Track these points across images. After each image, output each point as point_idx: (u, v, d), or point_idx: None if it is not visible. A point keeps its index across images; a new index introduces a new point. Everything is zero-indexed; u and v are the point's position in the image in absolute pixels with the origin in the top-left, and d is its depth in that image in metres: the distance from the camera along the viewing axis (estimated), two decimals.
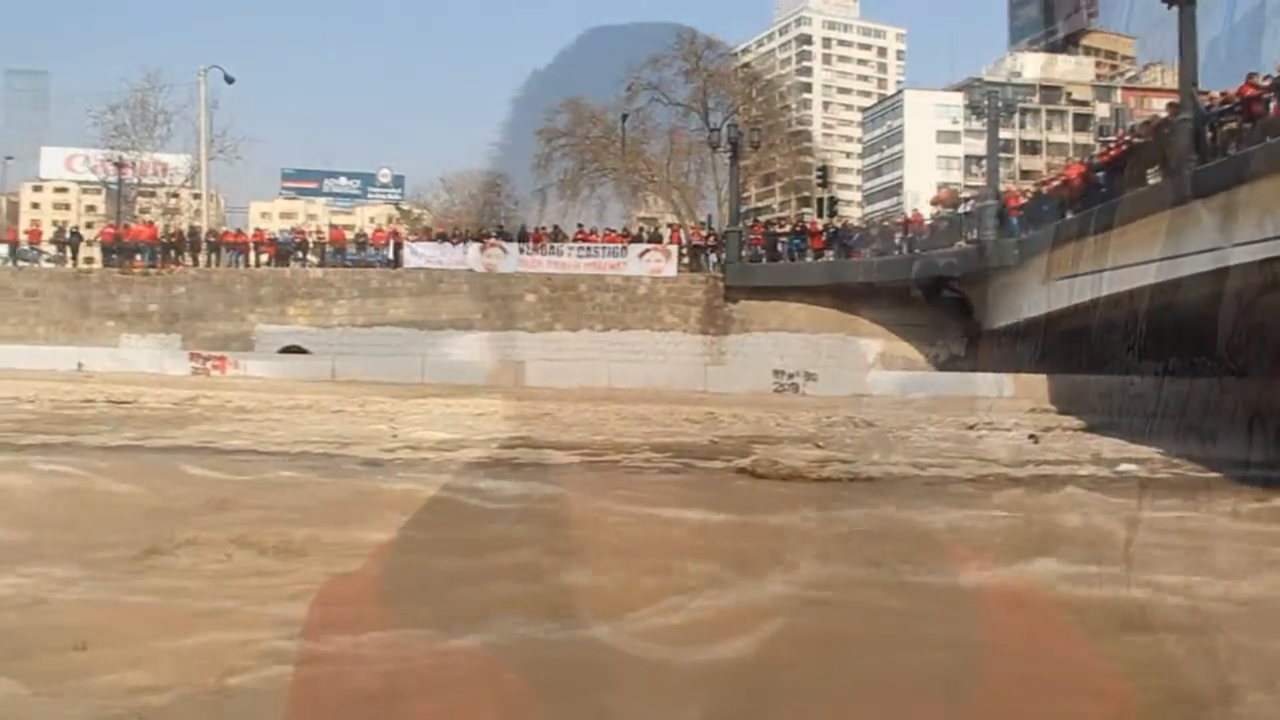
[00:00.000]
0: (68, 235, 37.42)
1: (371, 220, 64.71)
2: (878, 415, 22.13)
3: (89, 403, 23.26)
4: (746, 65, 73.26)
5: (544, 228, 35.28)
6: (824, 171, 50.01)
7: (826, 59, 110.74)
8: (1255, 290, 16.83)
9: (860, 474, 14.27)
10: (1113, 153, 25.02)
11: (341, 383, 26.83)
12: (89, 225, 46.80)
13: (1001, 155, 39.59)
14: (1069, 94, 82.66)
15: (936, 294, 28.58)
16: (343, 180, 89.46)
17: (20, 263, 34.75)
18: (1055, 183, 27.46)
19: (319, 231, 39.68)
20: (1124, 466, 15.68)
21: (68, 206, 74.58)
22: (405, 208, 61.06)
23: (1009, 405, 23.92)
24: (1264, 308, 16.68)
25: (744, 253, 31.60)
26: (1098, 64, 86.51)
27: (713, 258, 32.78)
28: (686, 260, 32.57)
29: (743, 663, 6.21)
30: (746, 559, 8.76)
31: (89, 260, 36.94)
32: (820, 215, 37.67)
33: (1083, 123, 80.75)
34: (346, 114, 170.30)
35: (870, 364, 28.66)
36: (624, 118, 42.74)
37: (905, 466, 15.29)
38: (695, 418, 21.86)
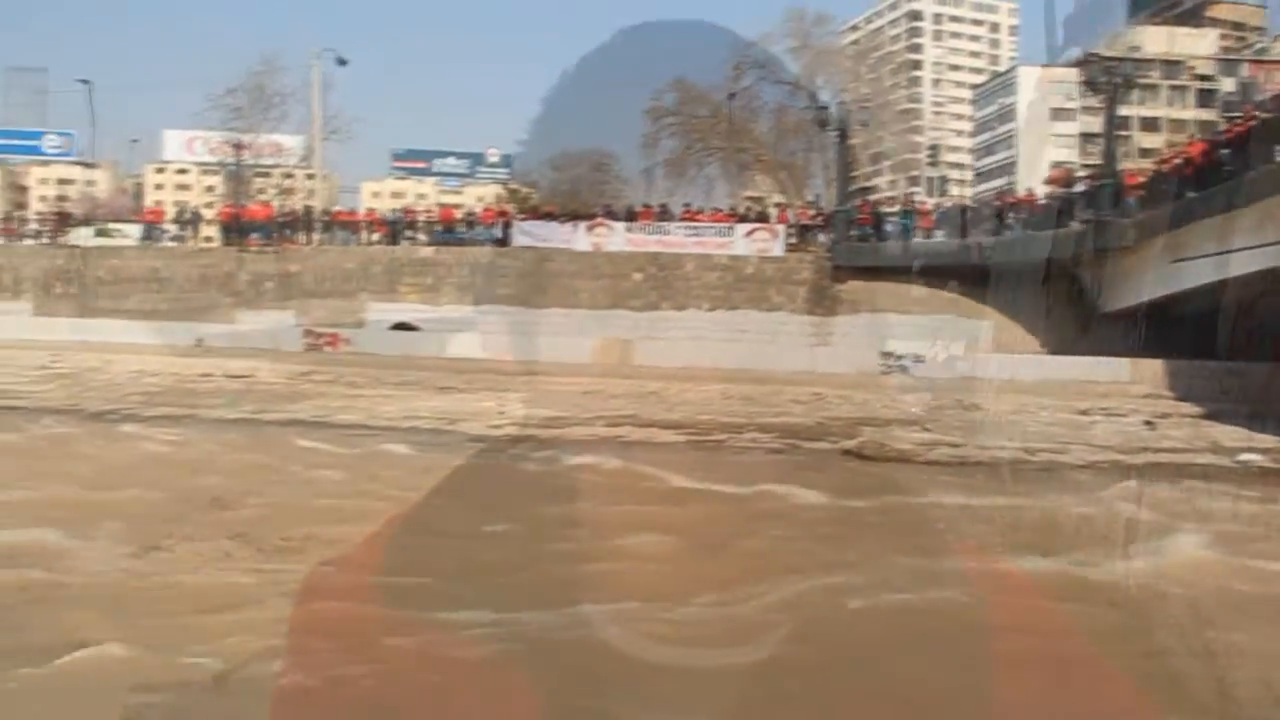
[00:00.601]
0: (188, 215, 38.63)
1: (480, 199, 65.46)
2: (987, 398, 21.74)
3: (207, 377, 24.00)
4: (855, 42, 72.32)
5: (650, 206, 35.29)
6: (934, 150, 49.21)
7: (937, 35, 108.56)
8: None
9: (968, 458, 14.07)
10: (1238, 128, 24.07)
11: (450, 360, 27.23)
12: (208, 205, 48.13)
13: (1119, 133, 38.35)
14: (1191, 68, 79.61)
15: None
16: (451, 160, 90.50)
17: (145, 240, 35.96)
18: (1176, 161, 26.53)
19: (428, 210, 40.31)
20: (1245, 456, 15.14)
21: (188, 187, 76.85)
22: (514, 186, 61.48)
23: (1124, 390, 23.33)
24: None
25: (852, 233, 31.21)
26: (1223, 36, 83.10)
27: (820, 237, 32.46)
28: (794, 240, 32.30)
29: (769, 668, 6.10)
30: (834, 547, 8.69)
31: (208, 239, 38.05)
32: (930, 194, 37.00)
33: (1206, 98, 77.81)
34: (456, 94, 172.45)
35: (980, 346, 28.13)
36: (731, 96, 42.48)
37: (1014, 450, 15.01)
38: (802, 398, 21.74)
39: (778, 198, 45.08)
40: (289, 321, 31.97)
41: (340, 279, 33.02)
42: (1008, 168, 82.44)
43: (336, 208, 43.61)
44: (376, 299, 32.57)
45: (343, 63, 40.56)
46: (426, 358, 27.40)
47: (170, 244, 36.02)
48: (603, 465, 12.56)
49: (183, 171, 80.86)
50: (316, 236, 35.38)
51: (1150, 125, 76.79)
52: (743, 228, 31.93)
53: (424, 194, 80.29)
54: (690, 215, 33.67)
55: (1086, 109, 71.96)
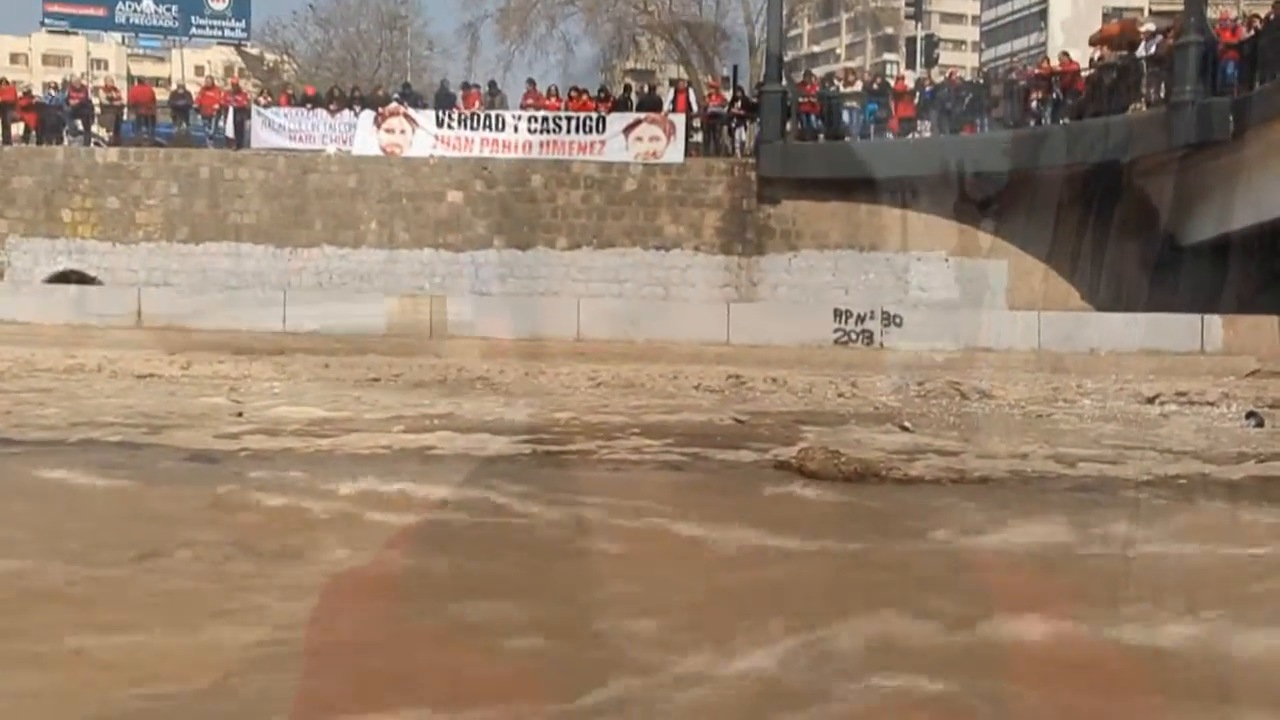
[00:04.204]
0: None
1: (199, 71, 64.39)
2: (1000, 380, 22.25)
3: None
4: None
5: (475, 86, 35.25)
6: None
7: None
8: None
9: (969, 471, 14.25)
10: None
11: (153, 330, 26.89)
12: None
13: None
14: None
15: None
16: (149, 5, 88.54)
17: None
18: None
19: (111, 89, 39.64)
20: None
21: None
22: (253, 51, 60.66)
23: (1215, 364, 24.03)
24: None
25: (790, 126, 31.60)
26: None
27: (740, 134, 32.82)
28: (699, 139, 32.60)
29: None
30: (761, 617, 8.68)
31: None
32: (911, 65, 37.58)
33: None
34: None
35: (989, 299, 28.76)
36: None
37: (1044, 460, 15.24)
38: (712, 384, 22.00)
39: (675, 71, 45.37)
40: None
41: None
42: (1033, 21, 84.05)
43: None
44: (23, 234, 32.02)
45: None
46: (111, 327, 27.02)
47: None
48: (409, 498, 12.52)
49: None
50: None
51: None
52: (620, 119, 32.15)
53: (103, 60, 78.61)
54: (538, 99, 33.73)
55: None
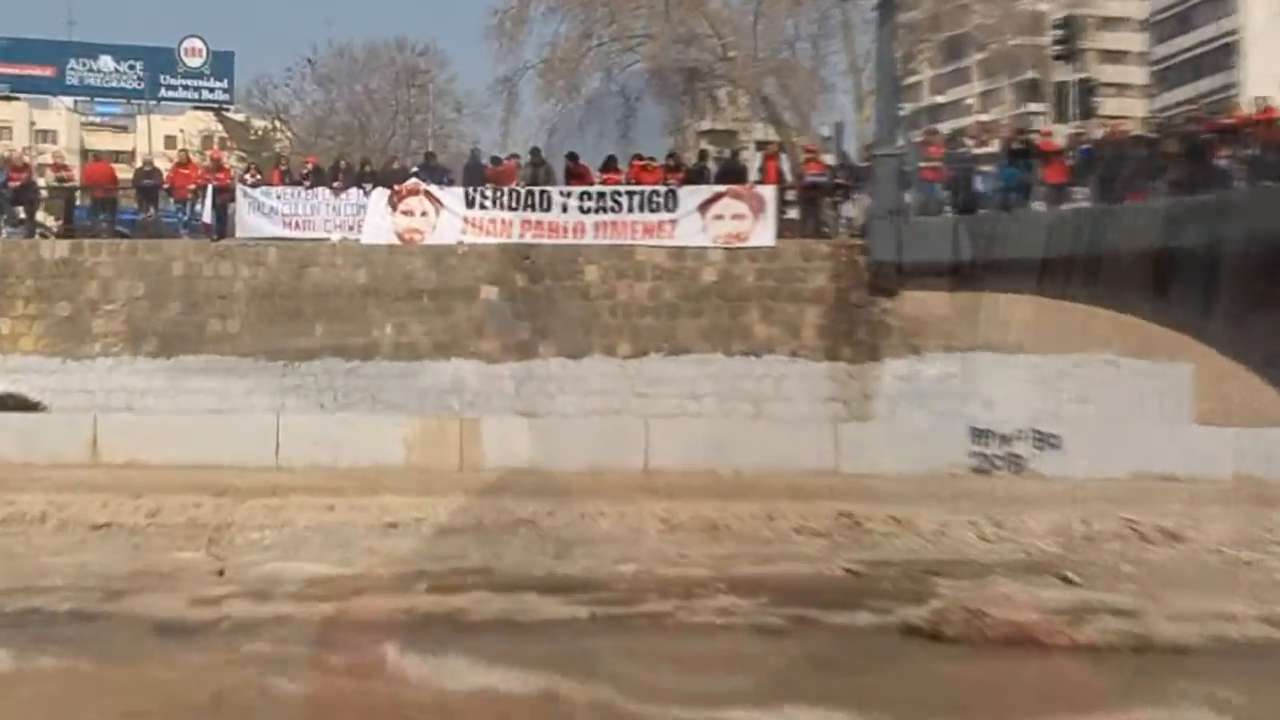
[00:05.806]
0: None
1: (170, 143, 65.09)
2: (1191, 517, 21.96)
3: None
4: None
5: (513, 156, 35.36)
6: (1068, 27, 49.66)
7: None
8: None
9: (1155, 636, 14.11)
10: None
11: (112, 467, 26.93)
12: None
13: None
14: None
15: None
16: (107, 63, 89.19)
17: None
18: None
19: (60, 166, 39.96)
20: None
21: None
22: (238, 117, 61.21)
23: None
24: None
25: (908, 198, 31.51)
26: None
27: (846, 209, 32.76)
28: (795, 215, 32.55)
29: None
30: None
31: None
32: (1061, 118, 37.47)
33: None
34: None
35: (1175, 412, 28.47)
36: None
37: (1255, 623, 15.10)
38: (818, 525, 21.82)
39: (763, 133, 45.41)
40: None
41: None
42: (1218, 58, 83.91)
43: None
44: None
45: None
46: (59, 465, 27.09)
47: None
48: (432, 680, 12.39)
49: None
50: None
51: None
52: (693, 195, 32.09)
53: (51, 131, 79.55)
54: (583, 176, 33.66)
55: None
